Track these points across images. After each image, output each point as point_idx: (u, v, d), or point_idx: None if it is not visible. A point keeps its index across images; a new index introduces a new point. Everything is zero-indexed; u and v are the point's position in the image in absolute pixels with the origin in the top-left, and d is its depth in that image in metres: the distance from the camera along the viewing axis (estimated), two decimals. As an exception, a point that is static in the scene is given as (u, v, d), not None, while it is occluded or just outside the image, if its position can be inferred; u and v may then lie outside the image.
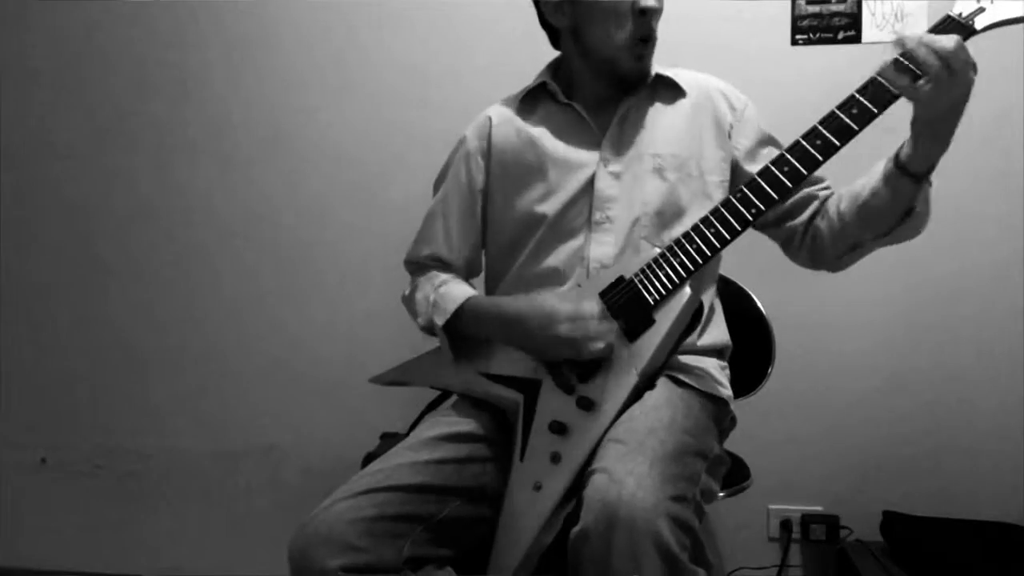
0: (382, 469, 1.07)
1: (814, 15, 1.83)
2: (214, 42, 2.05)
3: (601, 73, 1.24)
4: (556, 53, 1.33)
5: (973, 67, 0.92)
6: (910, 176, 1.02)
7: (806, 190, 1.22)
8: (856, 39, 1.82)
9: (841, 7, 1.82)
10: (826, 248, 1.18)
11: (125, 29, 2.07)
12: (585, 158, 1.23)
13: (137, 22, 2.06)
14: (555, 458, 1.05)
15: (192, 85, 2.06)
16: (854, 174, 1.13)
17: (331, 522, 0.98)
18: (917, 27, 1.77)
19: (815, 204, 1.21)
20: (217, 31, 2.04)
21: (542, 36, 1.32)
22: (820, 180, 1.23)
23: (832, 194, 1.20)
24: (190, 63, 2.06)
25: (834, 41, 1.83)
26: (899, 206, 1.05)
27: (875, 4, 1.81)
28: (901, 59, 0.93)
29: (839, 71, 1.78)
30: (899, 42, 0.94)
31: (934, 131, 0.98)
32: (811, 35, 1.84)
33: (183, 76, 2.06)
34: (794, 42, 1.85)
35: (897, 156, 1.03)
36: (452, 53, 1.96)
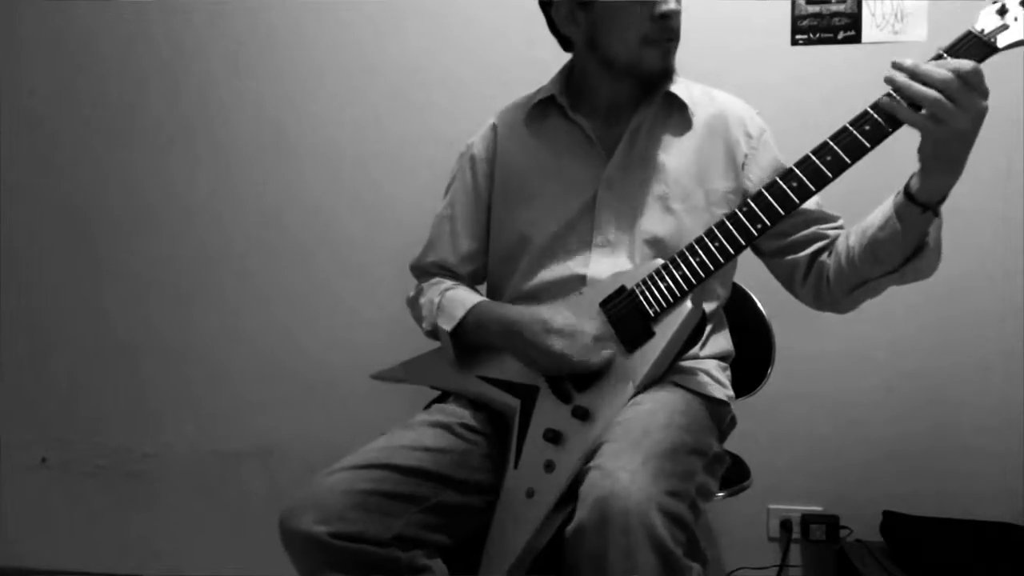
0: (384, 448, 1.08)
1: (814, 15, 1.83)
2: (214, 43, 2.04)
3: (621, 78, 1.20)
4: (559, 56, 1.30)
5: (984, 94, 0.89)
6: (920, 206, 0.98)
7: (816, 227, 1.18)
8: (856, 39, 1.82)
9: (841, 7, 1.82)
10: (832, 285, 1.14)
11: (124, 30, 2.06)
12: (588, 178, 1.21)
13: (136, 23, 2.06)
14: (549, 466, 1.05)
15: (191, 86, 2.06)
16: (859, 206, 1.12)
17: (327, 489, 1.00)
18: (917, 28, 1.77)
19: (822, 242, 1.17)
20: (217, 32, 2.04)
21: (544, 40, 1.30)
22: (833, 219, 1.20)
23: (843, 233, 1.16)
24: (189, 64, 2.06)
25: (834, 41, 1.82)
26: (909, 239, 1.02)
27: (875, 4, 1.81)
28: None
29: (839, 71, 1.79)
30: (889, 80, 0.91)
31: (943, 160, 0.95)
32: (811, 35, 1.84)
33: (182, 77, 2.06)
34: (794, 42, 1.85)
35: (907, 185, 1.00)
36: (453, 56, 1.96)
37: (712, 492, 1.11)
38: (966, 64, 0.88)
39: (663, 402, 1.06)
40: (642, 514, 0.86)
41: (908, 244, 1.03)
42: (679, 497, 0.93)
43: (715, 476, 1.14)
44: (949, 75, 0.88)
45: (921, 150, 0.95)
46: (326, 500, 0.99)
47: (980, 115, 0.90)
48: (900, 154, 1.01)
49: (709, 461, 1.08)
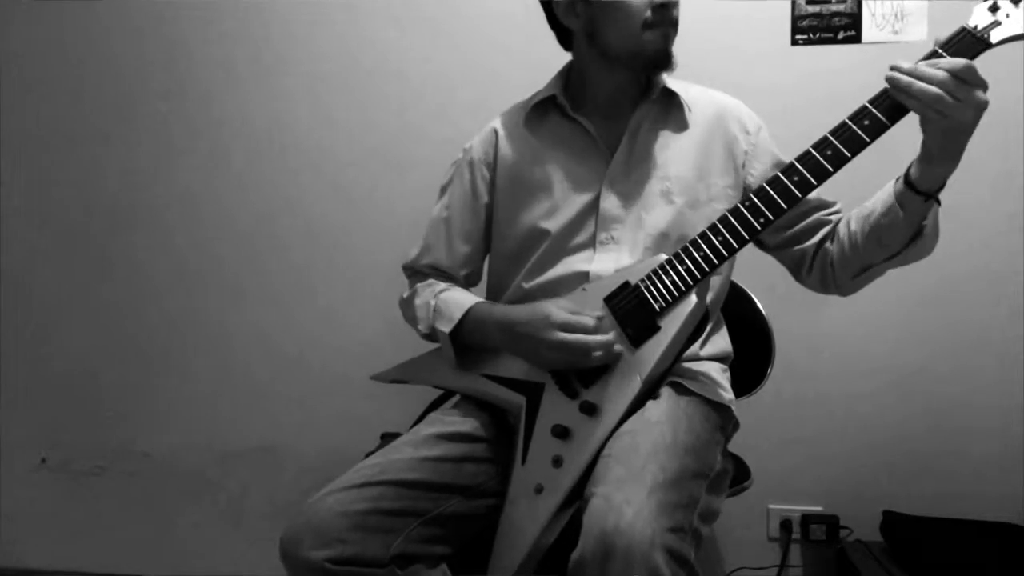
0: (379, 463, 1.07)
1: (814, 15, 1.83)
2: (208, 45, 2.05)
3: (621, 72, 1.21)
4: (559, 57, 1.30)
5: (983, 87, 0.92)
6: (920, 194, 1.01)
7: (817, 215, 1.20)
8: (856, 39, 1.82)
9: (841, 7, 1.82)
10: (836, 271, 1.16)
11: (125, 30, 2.07)
12: (591, 176, 1.22)
13: (137, 23, 2.06)
14: (557, 462, 1.05)
15: (190, 88, 2.06)
16: (859, 193, 1.13)
17: (322, 514, 0.99)
18: (917, 27, 1.78)
19: (825, 229, 1.20)
20: (211, 34, 2.04)
21: (543, 41, 1.30)
22: (831, 205, 1.22)
23: (842, 218, 1.18)
24: (188, 66, 2.06)
25: (834, 41, 1.83)
26: (910, 225, 1.04)
27: (875, 4, 1.81)
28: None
29: (839, 71, 1.79)
30: (889, 80, 0.94)
31: (947, 151, 0.97)
32: (811, 35, 1.84)
33: (181, 79, 2.06)
34: (794, 42, 1.85)
35: (907, 174, 1.03)
36: (450, 57, 1.96)
37: (716, 512, 1.10)
38: (959, 62, 0.92)
39: (669, 414, 1.05)
40: (645, 553, 0.86)
41: (909, 229, 1.05)
42: (682, 532, 0.92)
43: (720, 492, 1.13)
44: (945, 75, 0.91)
45: (926, 143, 0.98)
46: (323, 523, 0.98)
47: (981, 107, 0.93)
48: (899, 143, 1.02)
49: (712, 480, 1.08)
